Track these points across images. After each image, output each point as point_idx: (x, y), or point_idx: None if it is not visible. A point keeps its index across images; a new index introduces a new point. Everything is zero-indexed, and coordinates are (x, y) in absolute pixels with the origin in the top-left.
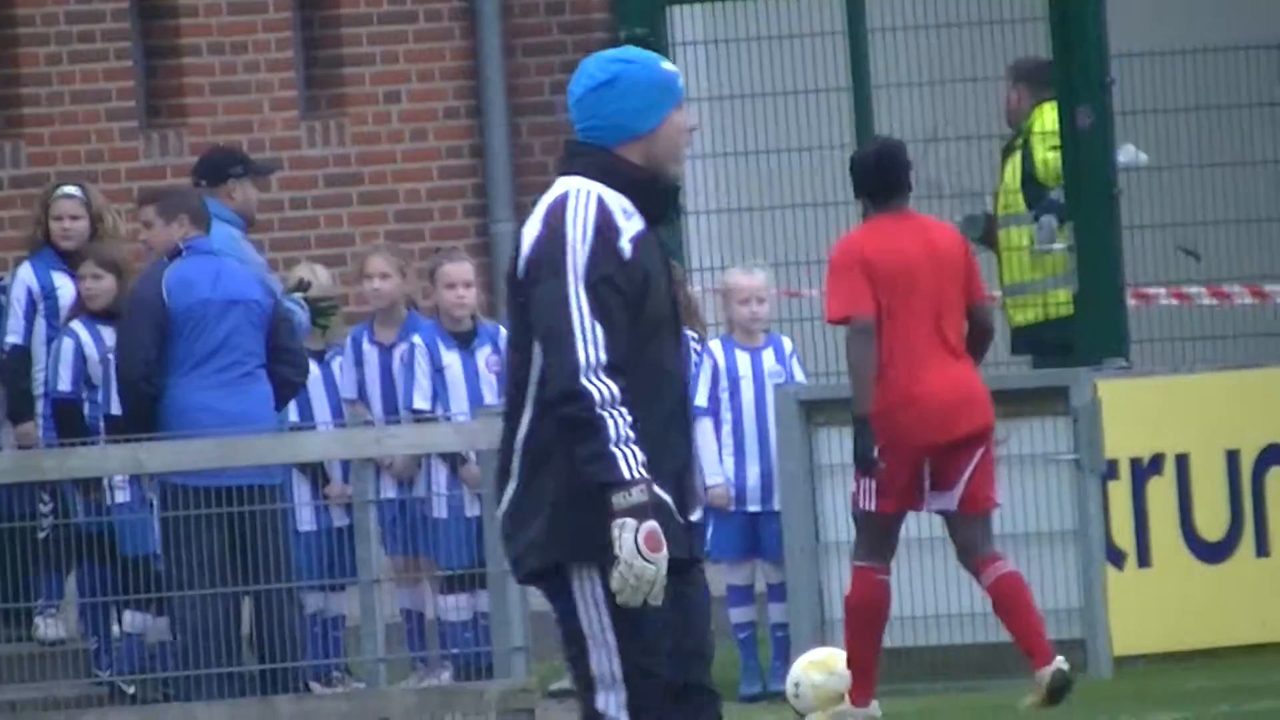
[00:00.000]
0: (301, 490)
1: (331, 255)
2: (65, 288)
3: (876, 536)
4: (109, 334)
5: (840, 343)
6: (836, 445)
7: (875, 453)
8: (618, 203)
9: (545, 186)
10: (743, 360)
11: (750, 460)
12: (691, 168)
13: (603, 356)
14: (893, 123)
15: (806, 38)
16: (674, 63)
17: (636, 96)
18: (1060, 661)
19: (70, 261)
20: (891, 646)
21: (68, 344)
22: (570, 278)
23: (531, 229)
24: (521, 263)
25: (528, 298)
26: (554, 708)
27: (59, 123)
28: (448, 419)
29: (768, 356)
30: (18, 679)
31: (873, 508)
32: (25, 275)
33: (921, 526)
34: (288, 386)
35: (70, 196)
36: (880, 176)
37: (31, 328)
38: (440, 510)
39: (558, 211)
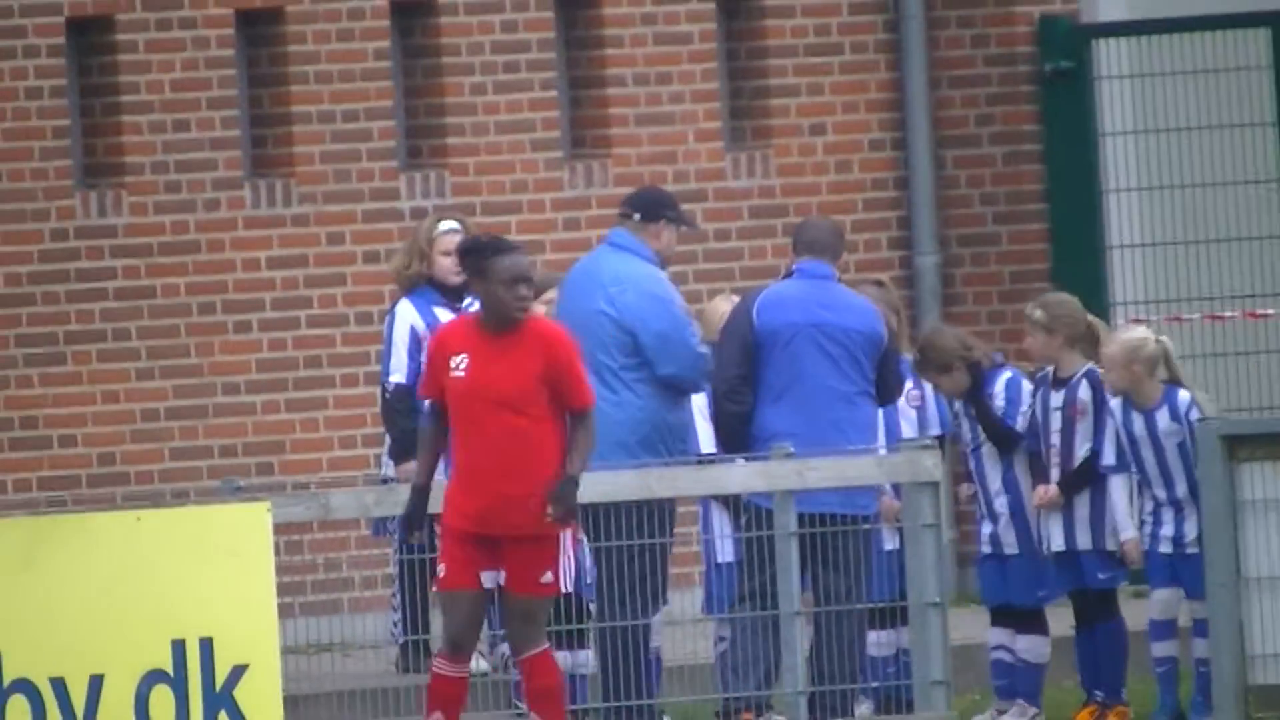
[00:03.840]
0: (722, 521)
1: (753, 286)
2: None
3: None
4: None
5: (1267, 376)
6: (1259, 480)
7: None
8: None
9: (970, 220)
10: (1137, 422)
11: (1164, 506)
12: (1116, 202)
13: None
14: None
15: (1231, 72)
16: (1098, 96)
17: None
18: None
19: (452, 297)
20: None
21: None
22: None
23: None
24: None
25: None
26: None
27: (483, 153)
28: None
29: (1162, 416)
30: None
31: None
32: (408, 314)
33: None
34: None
35: (457, 231)
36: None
37: (418, 366)
38: None
39: None
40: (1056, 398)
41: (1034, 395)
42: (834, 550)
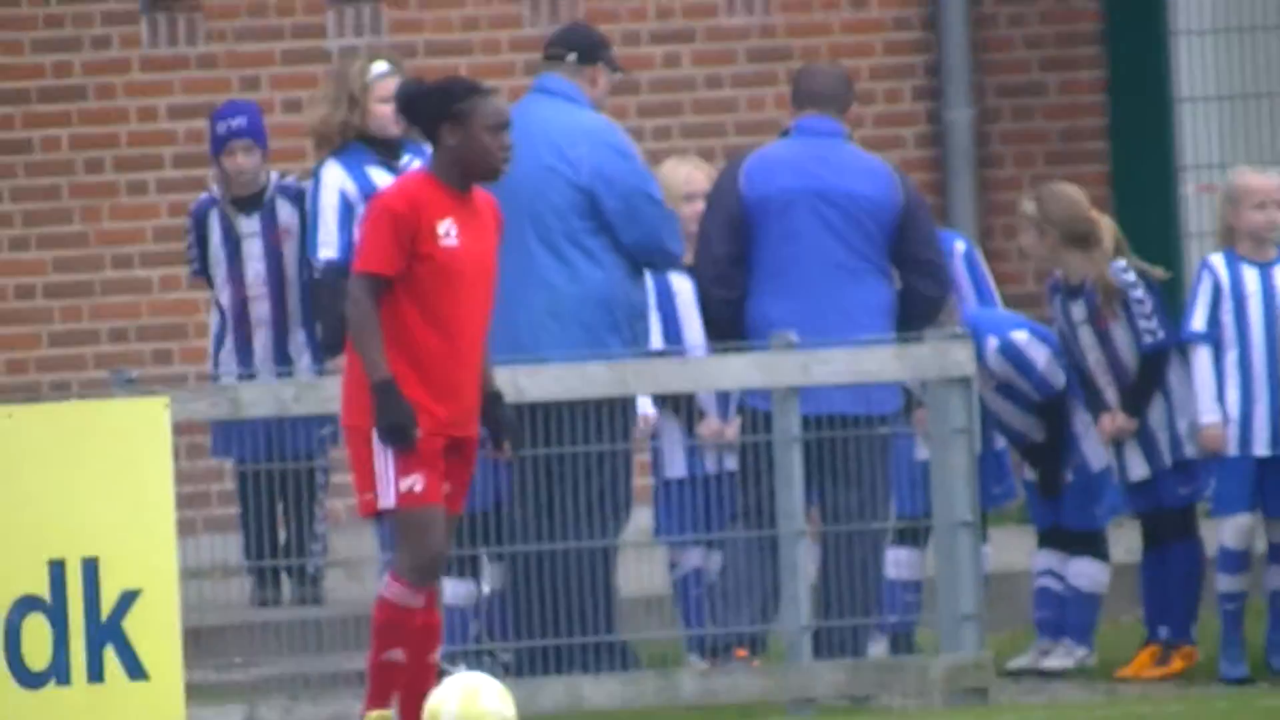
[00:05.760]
0: (671, 430)
1: (752, 145)
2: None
3: None
4: None
5: None
6: None
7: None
8: None
9: (1011, 67)
10: (1251, 277)
11: (1258, 395)
12: (1186, 46)
13: None
14: None
15: None
16: None
17: None
18: None
19: (387, 154)
20: None
21: None
22: None
23: None
24: None
25: None
26: (1010, 689)
27: None
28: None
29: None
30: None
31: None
32: (336, 177)
33: None
34: (923, 301)
35: (393, 74)
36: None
37: (350, 239)
38: None
39: None
40: (1078, 309)
41: (1052, 307)
42: (845, 459)
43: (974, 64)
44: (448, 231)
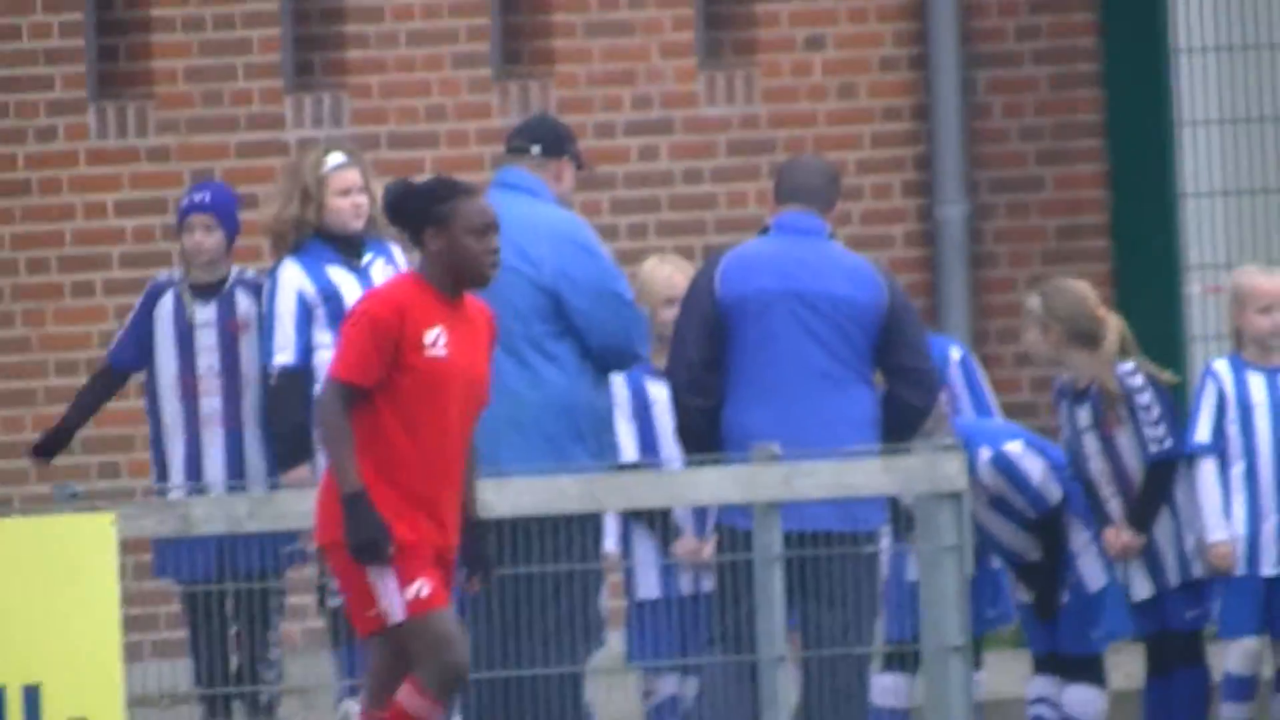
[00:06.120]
0: (645, 548)
1: (731, 242)
2: (349, 286)
3: None
4: None
5: None
6: None
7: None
8: None
9: (1007, 160)
10: (1257, 385)
11: (1266, 510)
12: (1191, 137)
13: None
14: None
15: None
16: (1175, 12)
17: None
18: None
19: (348, 251)
20: None
21: None
22: None
23: None
24: None
25: None
26: None
27: (391, 70)
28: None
29: None
30: None
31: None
32: (294, 278)
33: None
34: (908, 411)
35: (351, 165)
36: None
37: (308, 343)
38: None
39: None
40: (1084, 414)
41: (1058, 412)
42: (828, 578)
43: (967, 157)
44: (435, 341)
